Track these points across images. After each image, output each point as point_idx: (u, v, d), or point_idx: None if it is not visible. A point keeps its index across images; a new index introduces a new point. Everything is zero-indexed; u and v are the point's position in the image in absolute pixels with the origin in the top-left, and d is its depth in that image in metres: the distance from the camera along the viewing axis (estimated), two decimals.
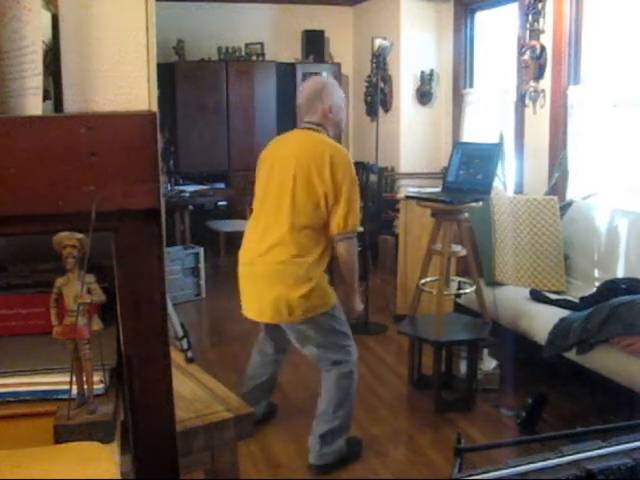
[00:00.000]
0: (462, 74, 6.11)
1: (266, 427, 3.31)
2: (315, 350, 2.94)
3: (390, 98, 6.57)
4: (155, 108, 0.95)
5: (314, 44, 7.19)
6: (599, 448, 0.87)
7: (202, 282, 5.61)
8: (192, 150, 6.74)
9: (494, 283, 4.07)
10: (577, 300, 3.61)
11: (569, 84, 4.69)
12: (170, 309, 1.87)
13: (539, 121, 4.92)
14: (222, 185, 6.94)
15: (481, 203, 3.59)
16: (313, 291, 2.80)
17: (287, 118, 6.87)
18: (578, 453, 0.87)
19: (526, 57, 4.91)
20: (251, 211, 3.07)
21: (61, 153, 0.84)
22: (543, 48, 4.81)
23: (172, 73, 6.59)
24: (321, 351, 2.94)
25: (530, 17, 4.89)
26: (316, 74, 7.37)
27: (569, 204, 4.37)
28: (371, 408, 3.58)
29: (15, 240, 1.26)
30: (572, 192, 4.62)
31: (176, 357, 2.04)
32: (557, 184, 4.64)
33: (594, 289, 3.65)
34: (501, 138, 4.90)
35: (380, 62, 5.08)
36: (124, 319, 0.93)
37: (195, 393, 1.91)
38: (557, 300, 3.70)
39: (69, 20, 0.91)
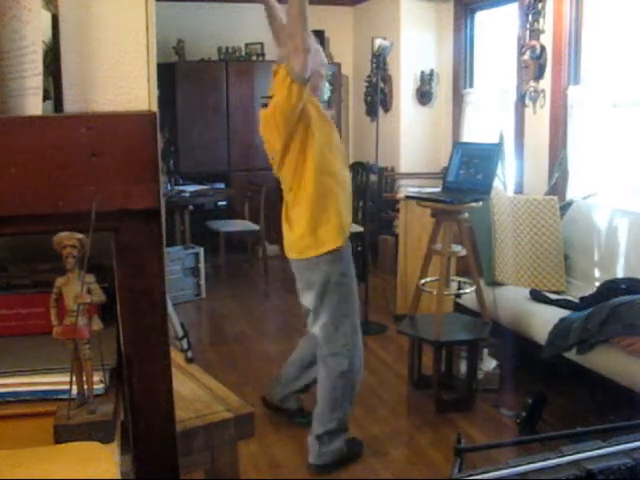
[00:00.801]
0: (462, 74, 6.11)
1: (266, 427, 3.31)
2: (319, 329, 2.92)
3: (390, 98, 6.57)
4: (155, 108, 0.95)
5: None
6: (599, 448, 0.87)
7: (202, 282, 5.61)
8: (192, 150, 6.74)
9: (494, 283, 4.07)
10: (577, 300, 3.61)
11: (569, 84, 4.69)
12: (170, 309, 1.87)
13: (539, 121, 4.92)
14: (222, 185, 6.93)
15: (481, 203, 3.59)
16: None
17: None
18: (578, 453, 0.87)
19: (526, 57, 4.91)
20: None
21: (61, 153, 0.84)
22: (543, 48, 4.81)
23: (172, 73, 6.59)
24: (326, 330, 2.92)
25: (530, 17, 4.89)
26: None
27: (569, 204, 4.37)
28: (371, 408, 3.58)
29: (15, 240, 1.26)
30: (572, 192, 4.61)
31: (176, 357, 2.04)
32: (557, 184, 4.64)
33: (594, 289, 3.65)
34: (501, 138, 4.90)
35: (380, 62, 5.07)
36: (124, 319, 0.93)
37: (195, 393, 1.91)
38: (557, 300, 3.70)
39: (69, 20, 0.91)
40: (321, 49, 2.96)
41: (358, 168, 6.37)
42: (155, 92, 0.97)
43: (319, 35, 7.20)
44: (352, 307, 2.96)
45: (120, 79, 0.93)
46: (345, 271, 2.89)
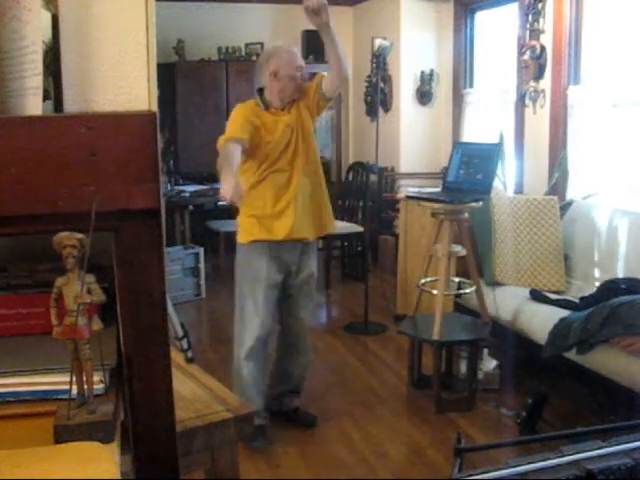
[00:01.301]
0: (462, 74, 6.10)
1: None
2: None
3: (390, 98, 6.56)
4: (155, 108, 0.95)
5: (314, 44, 7.16)
6: (599, 448, 0.87)
7: (202, 282, 5.61)
8: (192, 150, 6.73)
9: (494, 283, 4.06)
10: (577, 300, 3.61)
11: (569, 84, 4.69)
12: (170, 309, 1.87)
13: (539, 121, 4.92)
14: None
15: (481, 203, 3.59)
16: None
17: None
18: (578, 453, 0.87)
19: (526, 57, 4.91)
20: None
21: (61, 153, 0.84)
22: (543, 48, 4.81)
23: (172, 73, 6.58)
24: None
25: (530, 17, 4.89)
26: (316, 74, 7.37)
27: (569, 204, 4.37)
28: (371, 408, 3.58)
29: (15, 240, 1.26)
30: (572, 192, 4.61)
31: (176, 357, 2.04)
32: (557, 184, 4.64)
33: (594, 289, 3.65)
34: (501, 138, 4.89)
35: (380, 62, 5.07)
36: (124, 319, 0.93)
37: (195, 393, 1.91)
38: (557, 300, 3.70)
39: (69, 20, 0.91)
40: (294, 52, 3.18)
41: (358, 168, 6.37)
42: (155, 92, 0.97)
43: (319, 35, 7.21)
44: (245, 297, 3.16)
45: (120, 79, 0.93)
46: (244, 263, 3.19)
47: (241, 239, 3.19)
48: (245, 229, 3.17)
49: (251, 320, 3.13)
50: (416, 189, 5.08)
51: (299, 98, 3.15)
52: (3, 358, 1.07)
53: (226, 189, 2.91)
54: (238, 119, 3.05)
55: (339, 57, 3.03)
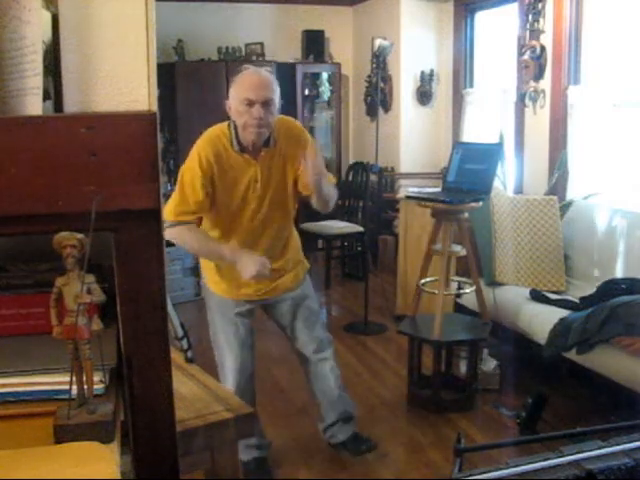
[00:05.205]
0: (462, 74, 6.10)
1: (266, 427, 3.31)
2: None
3: (390, 98, 6.56)
4: (155, 108, 0.95)
5: (314, 44, 7.18)
6: (599, 448, 0.87)
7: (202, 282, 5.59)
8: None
9: (494, 283, 4.07)
10: (577, 300, 3.61)
11: (569, 84, 4.69)
12: (170, 309, 1.87)
13: (539, 121, 4.92)
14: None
15: (481, 203, 3.59)
16: None
17: None
18: (578, 453, 0.87)
19: (526, 57, 4.91)
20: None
21: (61, 153, 0.84)
22: (543, 48, 4.81)
23: (172, 73, 6.58)
24: None
25: (530, 17, 4.89)
26: (316, 74, 7.37)
27: (569, 204, 4.37)
28: (371, 408, 3.58)
29: (15, 240, 1.26)
30: (572, 192, 4.61)
31: (176, 357, 2.04)
32: (557, 184, 4.64)
33: (594, 289, 3.65)
34: (501, 138, 4.90)
35: (380, 62, 5.07)
36: (124, 319, 0.93)
37: (195, 393, 1.91)
38: (557, 300, 3.70)
39: (69, 20, 0.91)
40: (259, 79, 2.71)
41: (358, 168, 6.37)
42: (155, 92, 0.97)
43: (319, 35, 7.22)
44: (218, 341, 3.13)
45: (120, 79, 0.93)
46: (210, 306, 3.15)
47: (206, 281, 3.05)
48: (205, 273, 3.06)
49: (227, 358, 3.03)
50: (416, 189, 5.08)
51: (283, 143, 2.69)
52: (3, 358, 1.07)
53: (248, 266, 2.58)
54: (186, 190, 2.59)
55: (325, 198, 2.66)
